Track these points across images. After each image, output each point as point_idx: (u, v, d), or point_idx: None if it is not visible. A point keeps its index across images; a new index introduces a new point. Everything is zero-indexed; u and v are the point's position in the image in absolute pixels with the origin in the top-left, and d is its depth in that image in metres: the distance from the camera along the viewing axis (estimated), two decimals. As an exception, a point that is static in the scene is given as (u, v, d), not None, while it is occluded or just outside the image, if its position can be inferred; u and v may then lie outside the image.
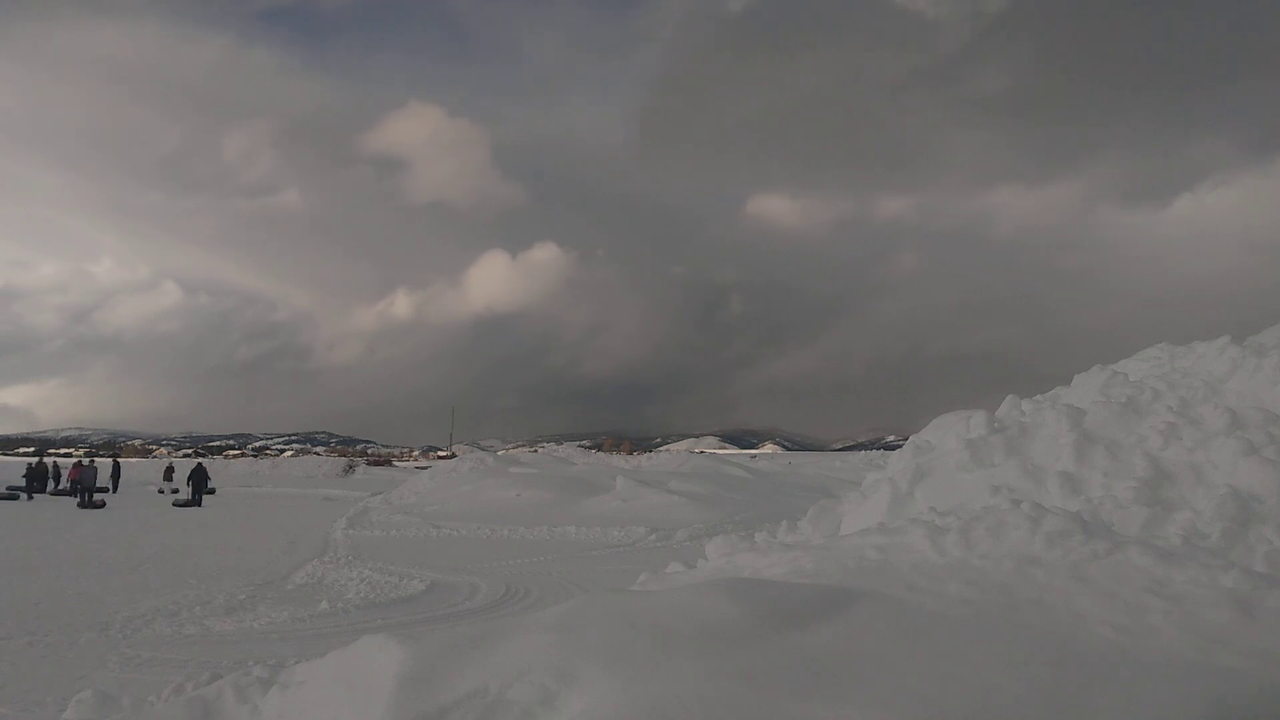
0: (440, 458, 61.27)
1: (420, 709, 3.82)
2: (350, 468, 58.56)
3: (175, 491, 30.45)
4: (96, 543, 15.87)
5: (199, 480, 28.12)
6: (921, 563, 5.77)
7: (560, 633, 4.23)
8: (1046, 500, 6.90)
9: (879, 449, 43.24)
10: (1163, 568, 5.06)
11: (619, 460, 39.78)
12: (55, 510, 24.02)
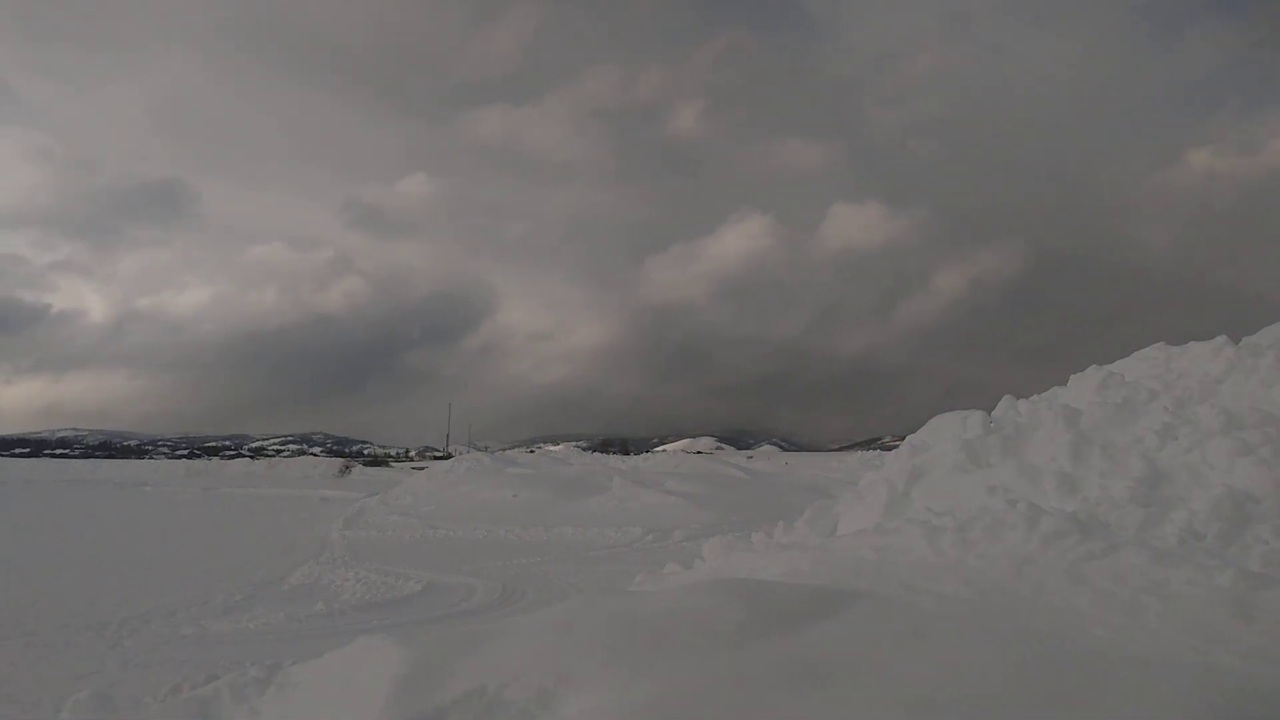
0: (436, 458, 61.13)
1: (417, 709, 3.82)
2: (346, 468, 58.51)
3: None
4: (94, 543, 15.87)
5: None
6: (918, 563, 5.77)
7: (557, 633, 4.23)
8: (1043, 500, 6.91)
9: (875, 449, 43.24)
10: (1159, 568, 5.07)
11: (615, 460, 39.81)
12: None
